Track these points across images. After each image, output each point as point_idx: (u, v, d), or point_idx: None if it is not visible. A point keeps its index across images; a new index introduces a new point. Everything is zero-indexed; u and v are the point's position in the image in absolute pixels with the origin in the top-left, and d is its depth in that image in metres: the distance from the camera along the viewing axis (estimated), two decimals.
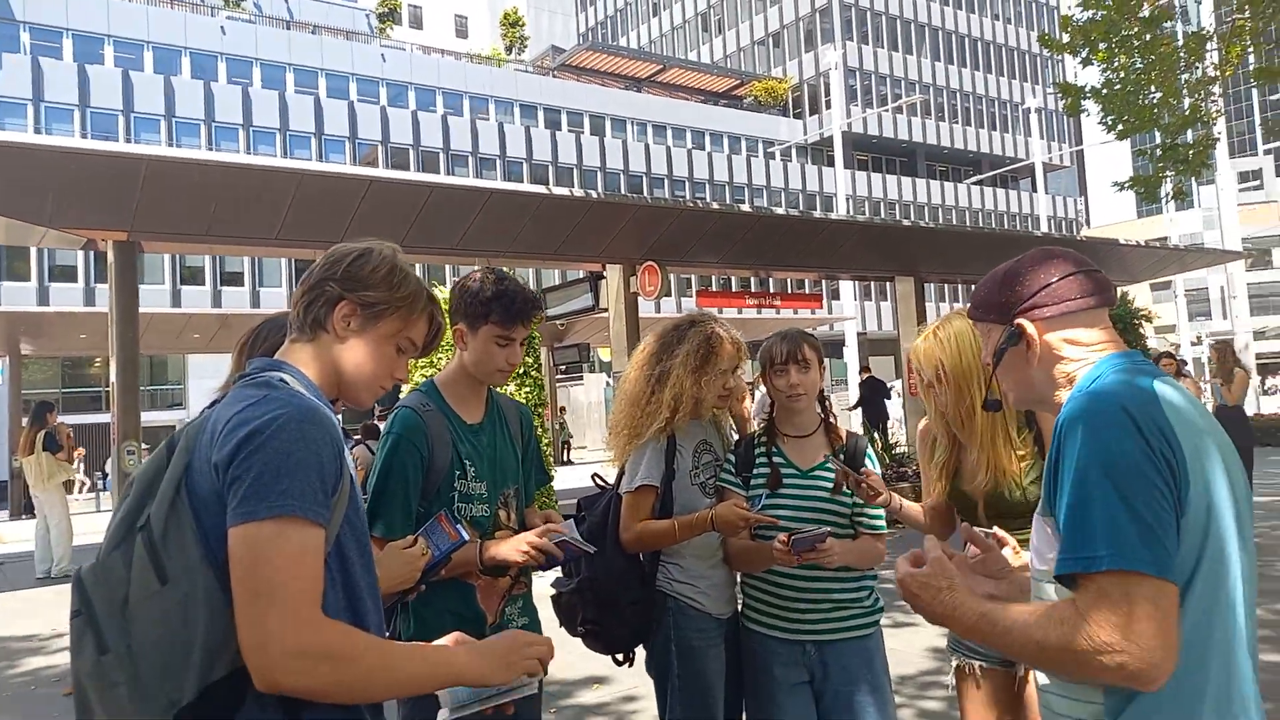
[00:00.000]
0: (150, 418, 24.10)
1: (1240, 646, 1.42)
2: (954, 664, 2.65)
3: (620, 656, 2.90)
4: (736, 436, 3.10)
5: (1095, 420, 1.38)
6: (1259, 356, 37.23)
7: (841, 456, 2.80)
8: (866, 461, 2.83)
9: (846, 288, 28.88)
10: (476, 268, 2.55)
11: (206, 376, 33.23)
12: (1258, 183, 64.16)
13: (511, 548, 2.33)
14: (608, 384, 30.66)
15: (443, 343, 1.87)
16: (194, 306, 30.94)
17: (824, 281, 35.14)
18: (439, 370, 2.79)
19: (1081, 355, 1.54)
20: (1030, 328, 1.56)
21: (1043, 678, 1.56)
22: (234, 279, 35.56)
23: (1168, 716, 1.36)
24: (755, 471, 2.82)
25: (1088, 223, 64.59)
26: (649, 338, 2.99)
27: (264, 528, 1.36)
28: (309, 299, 1.68)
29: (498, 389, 2.68)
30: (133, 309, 9.59)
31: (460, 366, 2.51)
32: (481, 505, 2.40)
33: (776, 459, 2.82)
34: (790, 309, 20.03)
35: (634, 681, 5.01)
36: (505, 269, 2.57)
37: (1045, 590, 1.51)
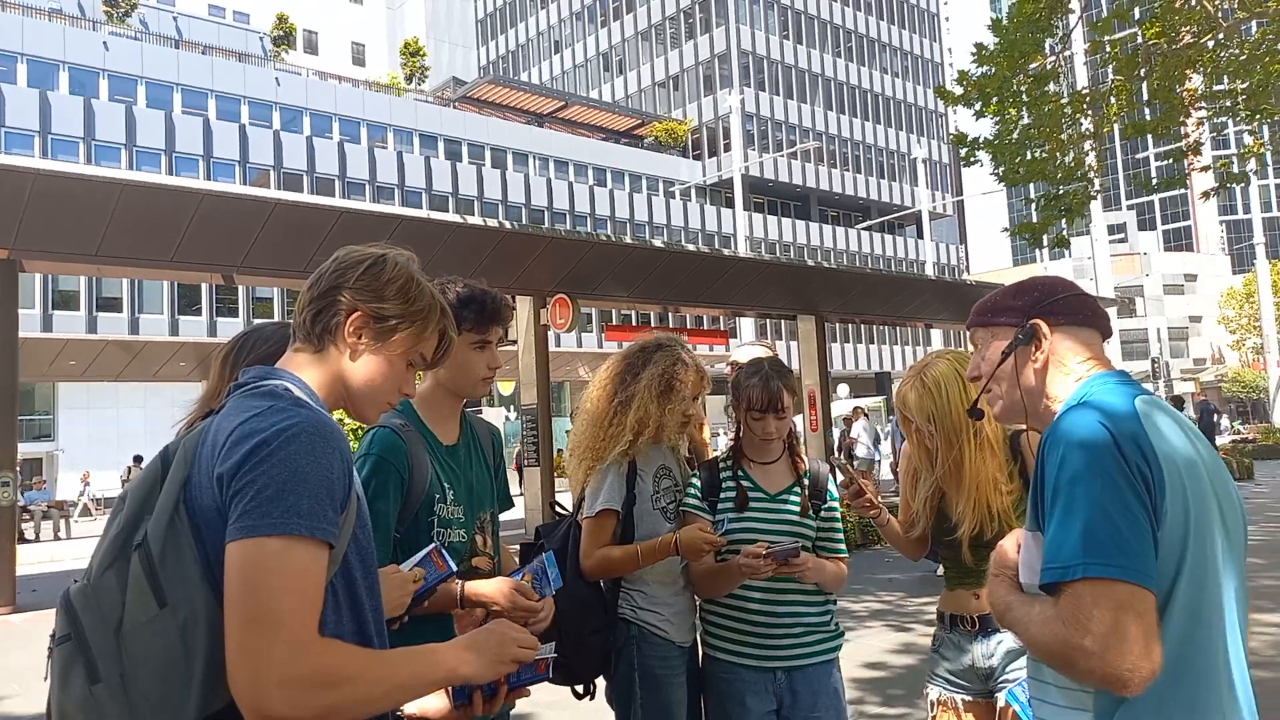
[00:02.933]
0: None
1: (1234, 658, 1.47)
2: (932, 697, 2.65)
3: (580, 689, 2.83)
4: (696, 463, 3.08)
5: (1074, 435, 1.44)
6: None
7: (806, 481, 2.82)
8: (830, 485, 2.86)
9: (746, 325, 29.42)
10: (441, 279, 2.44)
11: (79, 406, 31.45)
12: (1122, 235, 68.57)
13: (496, 590, 2.20)
14: (507, 419, 30.30)
15: None
16: (67, 332, 29.25)
17: (721, 318, 35.75)
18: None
19: (1076, 369, 1.62)
20: (1044, 327, 1.64)
21: (1035, 690, 1.59)
22: (111, 304, 33.79)
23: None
24: (722, 495, 2.81)
25: (968, 269, 67.64)
26: (613, 359, 2.95)
27: (266, 545, 1.27)
28: (318, 307, 1.56)
29: (481, 399, 2.58)
30: (12, 334, 9.00)
31: (436, 384, 2.38)
32: (459, 530, 2.30)
33: (744, 482, 2.82)
34: (696, 345, 20.23)
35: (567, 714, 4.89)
36: None
37: None
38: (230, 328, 30.67)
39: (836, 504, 2.89)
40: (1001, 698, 2.49)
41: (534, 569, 2.19)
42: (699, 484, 2.86)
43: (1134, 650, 1.31)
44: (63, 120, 34.03)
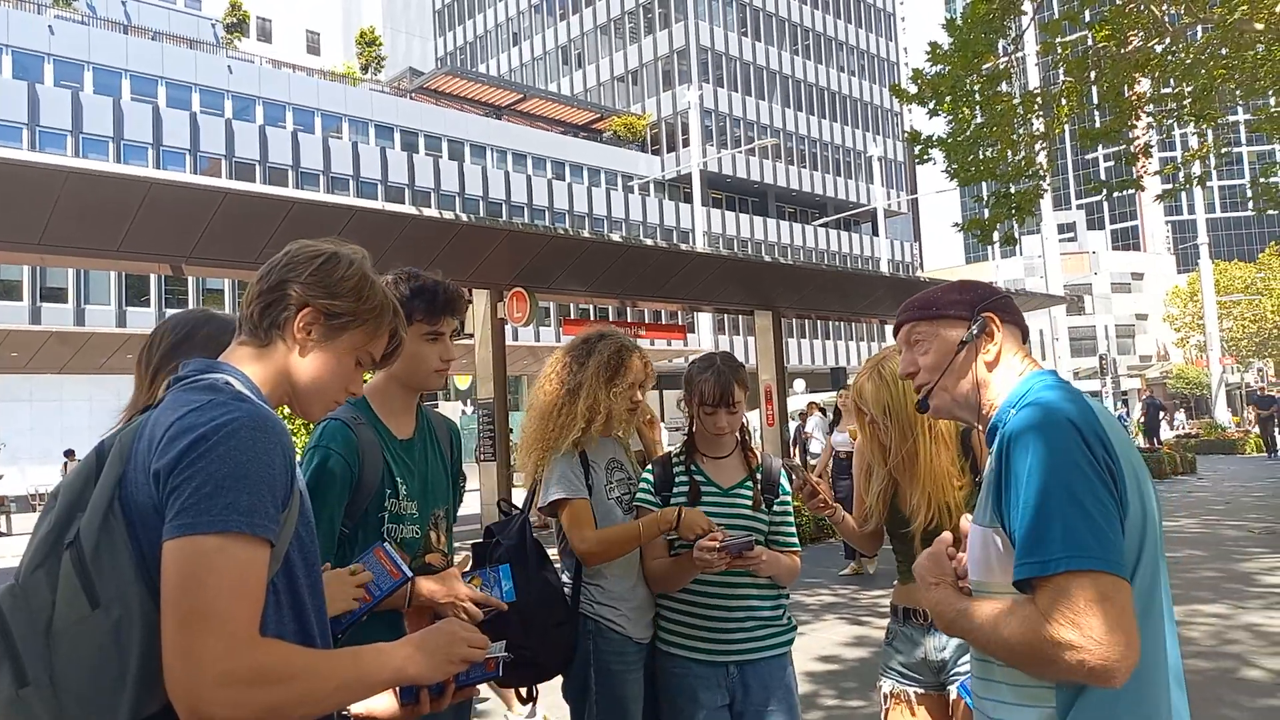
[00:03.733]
0: None
1: (1172, 630, 1.51)
2: (885, 690, 2.66)
3: (524, 692, 2.78)
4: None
5: (1044, 431, 1.45)
6: None
7: (759, 476, 2.83)
8: (781, 478, 2.87)
9: (704, 321, 29.52)
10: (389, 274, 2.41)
11: (21, 399, 30.62)
12: (1072, 234, 69.96)
13: (451, 586, 2.16)
14: (464, 412, 30.09)
15: None
16: (9, 322, 28.45)
17: (679, 314, 35.82)
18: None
19: (1018, 365, 1.66)
20: (997, 320, 1.67)
21: (981, 689, 1.60)
22: (56, 295, 32.92)
23: (1122, 706, 1.41)
24: (675, 490, 2.81)
25: (922, 266, 68.45)
26: (558, 352, 2.96)
27: (204, 543, 1.23)
28: (267, 300, 1.52)
29: (436, 392, 2.55)
30: None
31: (388, 376, 2.33)
32: (412, 526, 2.26)
33: (697, 476, 2.82)
34: (654, 340, 20.25)
35: None
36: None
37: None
38: None
39: (789, 498, 2.90)
40: (954, 690, 2.51)
41: (486, 577, 2.14)
42: (652, 479, 2.86)
43: (1121, 641, 1.32)
44: (5, 105, 33.03)
